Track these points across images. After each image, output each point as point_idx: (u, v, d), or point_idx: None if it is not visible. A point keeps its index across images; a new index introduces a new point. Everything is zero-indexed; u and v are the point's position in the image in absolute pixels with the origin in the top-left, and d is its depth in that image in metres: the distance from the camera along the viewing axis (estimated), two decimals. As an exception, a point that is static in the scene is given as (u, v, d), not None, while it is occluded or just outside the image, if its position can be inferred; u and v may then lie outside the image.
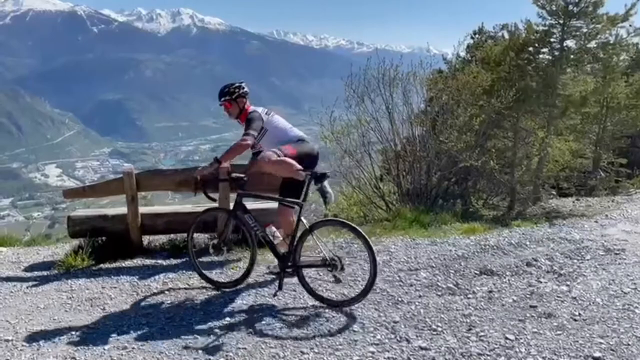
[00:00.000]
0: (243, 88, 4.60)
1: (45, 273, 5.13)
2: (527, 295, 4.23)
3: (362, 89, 8.70)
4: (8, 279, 4.97)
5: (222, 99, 4.58)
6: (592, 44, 11.09)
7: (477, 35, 14.29)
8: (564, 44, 10.89)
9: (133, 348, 3.50)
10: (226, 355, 3.37)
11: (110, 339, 3.65)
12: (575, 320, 3.74)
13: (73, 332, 3.76)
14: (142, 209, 5.64)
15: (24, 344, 3.61)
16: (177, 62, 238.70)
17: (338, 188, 10.39)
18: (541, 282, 4.52)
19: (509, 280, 4.61)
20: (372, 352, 3.37)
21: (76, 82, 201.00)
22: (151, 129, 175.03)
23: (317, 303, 4.13)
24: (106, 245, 5.57)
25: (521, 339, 3.47)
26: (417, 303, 4.13)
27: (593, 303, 4.03)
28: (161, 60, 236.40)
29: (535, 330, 3.59)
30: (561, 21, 10.72)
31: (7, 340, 3.65)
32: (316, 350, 3.42)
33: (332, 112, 8.83)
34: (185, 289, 4.59)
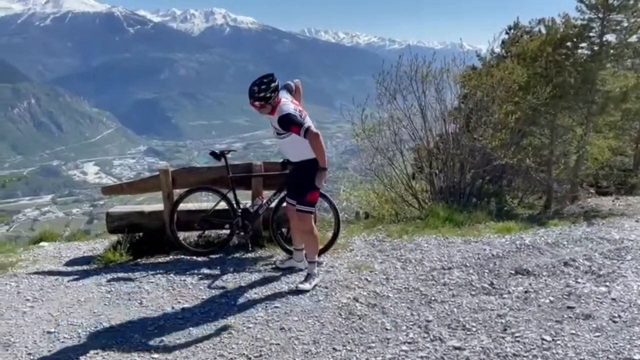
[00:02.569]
0: (274, 82, 4.30)
1: (85, 267, 5.28)
2: (565, 296, 4.13)
3: (394, 86, 8.64)
4: (50, 273, 5.14)
5: (256, 103, 4.29)
6: (633, 38, 10.78)
7: (512, 31, 14.03)
8: (604, 39, 10.62)
9: (170, 341, 3.58)
10: (260, 351, 3.41)
11: (148, 332, 3.74)
12: (614, 322, 3.64)
13: (112, 325, 3.87)
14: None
15: (66, 335, 3.73)
16: (211, 61, 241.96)
17: (369, 186, 10.37)
18: (579, 283, 4.41)
19: (545, 280, 4.52)
20: (405, 351, 3.36)
21: (113, 82, 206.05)
22: (185, 127, 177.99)
23: (347, 301, 4.15)
24: (143, 240, 5.70)
25: (558, 340, 3.40)
26: (450, 302, 4.09)
27: (633, 305, 3.92)
28: (195, 60, 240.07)
29: (573, 331, 3.52)
30: (601, 15, 10.46)
31: (50, 332, 3.79)
32: (349, 348, 3.43)
33: (364, 110, 8.81)
34: (220, 284, 4.66)
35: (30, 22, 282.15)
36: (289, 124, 4.26)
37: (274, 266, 5.06)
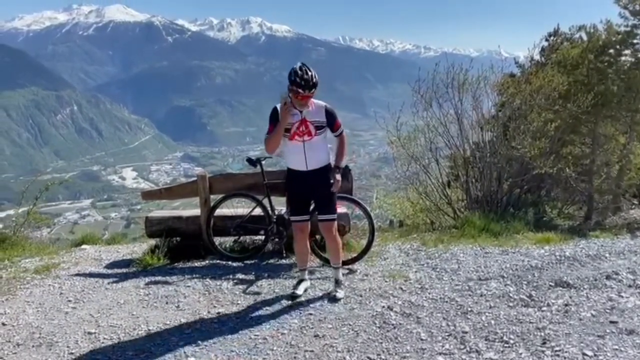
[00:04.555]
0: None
1: (124, 270, 5.41)
2: (607, 310, 4.00)
3: (430, 94, 8.57)
4: (91, 275, 5.29)
5: (312, 90, 4.07)
6: (681, 45, 10.43)
7: (552, 38, 13.73)
8: (649, 45, 10.30)
9: (205, 346, 3.62)
10: (294, 357, 3.42)
11: (184, 335, 3.80)
12: (661, 338, 3.50)
13: (150, 328, 3.95)
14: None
15: (106, 336, 3.82)
16: (246, 69, 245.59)
17: (403, 194, 10.29)
18: (622, 297, 4.27)
19: (586, 293, 4.39)
20: (441, 362, 3.31)
21: (152, 89, 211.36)
22: (221, 134, 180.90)
23: (381, 309, 4.12)
24: (180, 245, 5.81)
25: (600, 355, 3.29)
26: (487, 314, 4.01)
27: (681, 321, 3.76)
28: (231, 68, 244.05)
29: (616, 347, 3.40)
30: (646, 21, 10.15)
31: (91, 333, 3.88)
32: (383, 357, 3.40)
33: (399, 118, 8.77)
34: (255, 289, 4.70)
35: (74, 32, 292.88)
36: (335, 116, 4.25)
37: (292, 295, 4.47)
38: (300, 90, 4.01)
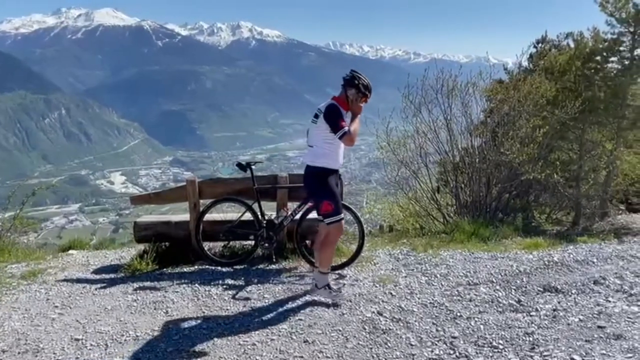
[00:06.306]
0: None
1: (112, 276, 5.36)
2: (595, 315, 4.03)
3: (420, 100, 8.62)
4: (78, 281, 5.23)
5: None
6: (666, 53, 10.58)
7: (540, 44, 13.88)
8: (635, 53, 10.44)
9: (194, 351, 3.60)
10: (283, 363, 3.41)
11: (172, 341, 3.77)
12: (647, 343, 3.53)
13: (138, 334, 3.91)
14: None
15: (93, 343, 3.78)
16: (237, 74, 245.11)
17: (393, 199, 10.32)
18: (610, 302, 4.30)
19: (574, 298, 4.42)
20: (430, 367, 3.31)
21: (142, 93, 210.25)
22: (210, 138, 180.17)
23: (371, 314, 4.12)
24: (169, 250, 5.77)
25: (588, 360, 3.31)
26: (476, 319, 4.02)
27: (668, 326, 3.79)
28: (221, 72, 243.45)
29: (603, 351, 3.42)
30: (632, 29, 10.30)
31: (77, 339, 3.84)
32: (373, 362, 3.40)
33: (389, 123, 8.80)
34: (244, 295, 4.68)
35: (63, 35, 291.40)
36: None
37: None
38: (369, 95, 4.48)
